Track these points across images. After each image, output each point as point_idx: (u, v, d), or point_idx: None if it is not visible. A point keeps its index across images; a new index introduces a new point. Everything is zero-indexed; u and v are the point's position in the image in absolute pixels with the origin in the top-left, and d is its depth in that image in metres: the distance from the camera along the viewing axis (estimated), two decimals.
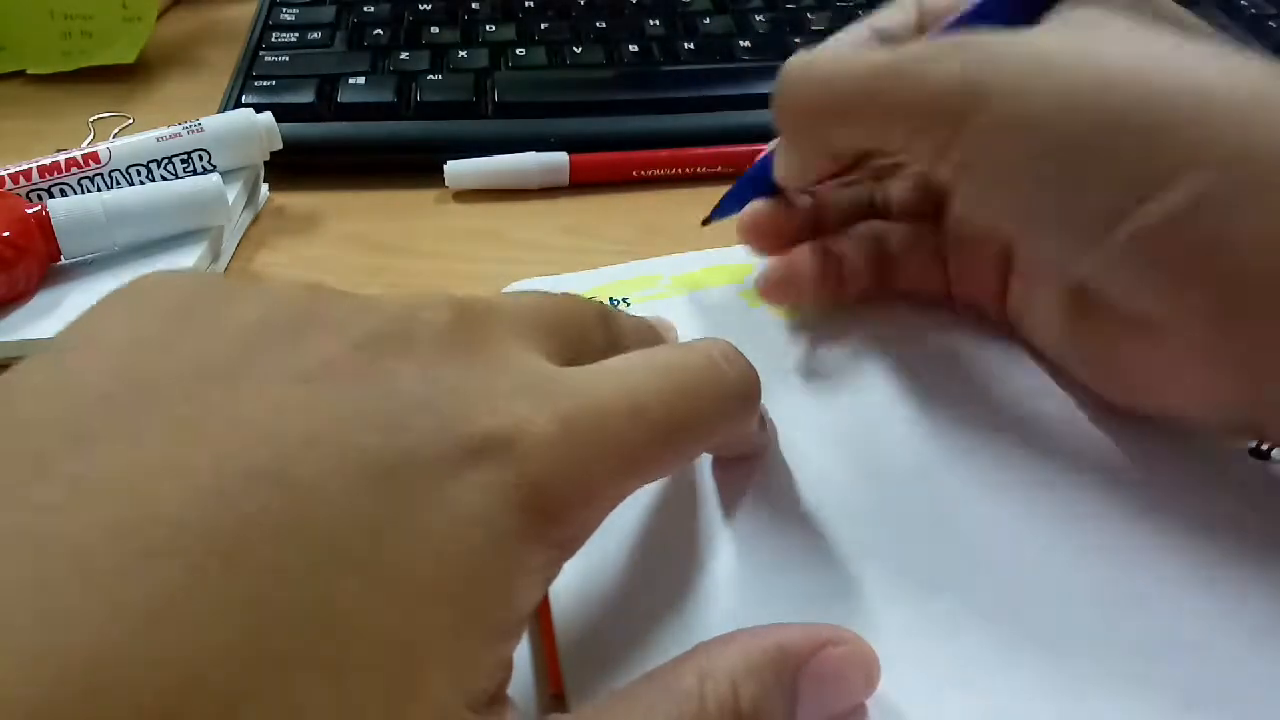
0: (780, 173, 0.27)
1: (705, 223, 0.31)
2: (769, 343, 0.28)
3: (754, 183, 0.29)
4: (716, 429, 0.19)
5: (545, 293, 0.20)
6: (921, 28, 0.27)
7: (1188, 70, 0.20)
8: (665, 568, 0.22)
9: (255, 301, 0.17)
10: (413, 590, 0.14)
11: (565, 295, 0.20)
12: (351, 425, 0.15)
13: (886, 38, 0.27)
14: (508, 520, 0.15)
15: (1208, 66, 0.20)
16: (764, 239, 0.29)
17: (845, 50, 0.24)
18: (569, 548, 0.16)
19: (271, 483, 0.14)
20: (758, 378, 0.20)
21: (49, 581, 0.12)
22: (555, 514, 0.15)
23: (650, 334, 0.22)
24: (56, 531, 0.13)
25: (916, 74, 0.22)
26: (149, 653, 0.12)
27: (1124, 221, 0.20)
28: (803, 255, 0.28)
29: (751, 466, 0.24)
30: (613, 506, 0.17)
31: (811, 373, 0.27)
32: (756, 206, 0.28)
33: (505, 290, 0.28)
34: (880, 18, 0.28)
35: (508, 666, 0.15)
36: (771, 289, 0.28)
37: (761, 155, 0.29)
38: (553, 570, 0.16)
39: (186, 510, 0.13)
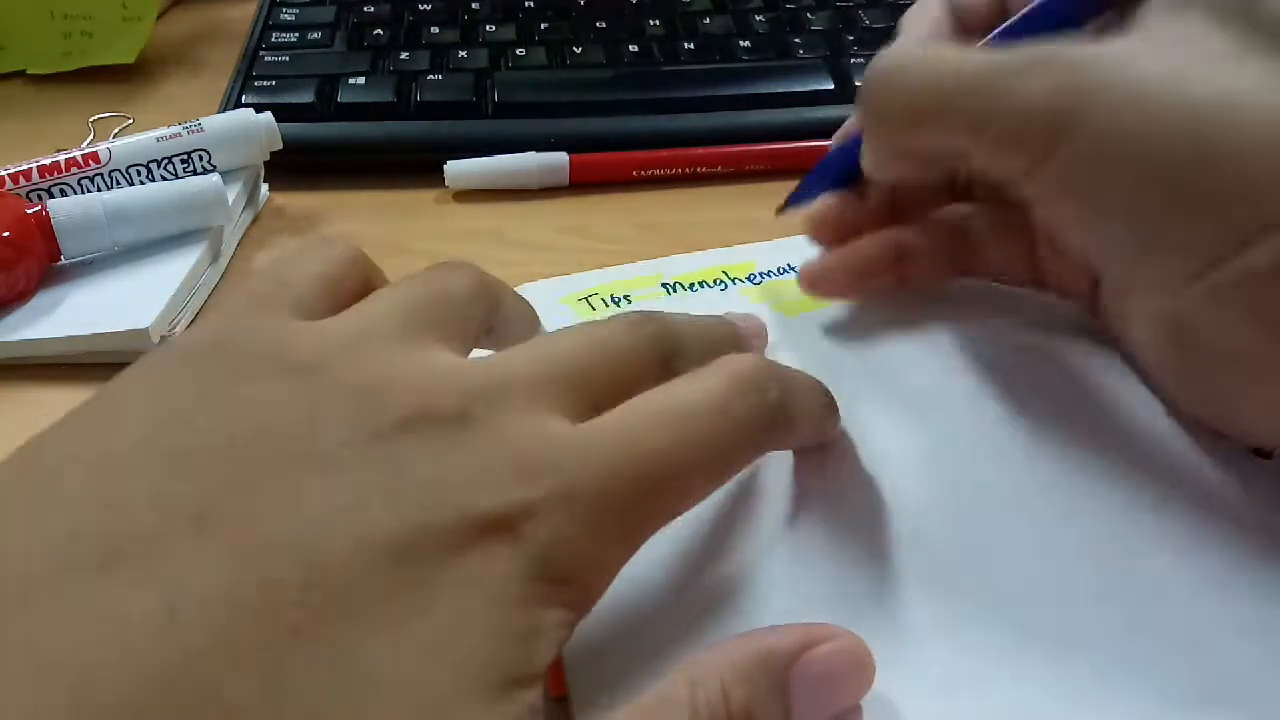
0: (865, 162, 0.26)
1: (780, 211, 0.30)
2: (781, 343, 0.28)
3: (830, 169, 0.28)
4: (739, 463, 0.19)
5: (589, 331, 0.20)
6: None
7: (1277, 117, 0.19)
8: (671, 567, 0.22)
9: (275, 380, 0.17)
10: (430, 648, 0.15)
11: (615, 328, 0.20)
12: (364, 506, 0.15)
13: (963, 11, 0.26)
14: (517, 588, 0.15)
15: None
16: (827, 232, 0.28)
17: (936, 53, 0.23)
18: (583, 604, 0.17)
19: (289, 555, 0.15)
20: (791, 397, 0.20)
21: (81, 638, 0.13)
22: (562, 580, 0.16)
23: (721, 348, 0.21)
24: (87, 590, 0.14)
25: (1004, 92, 0.21)
26: (175, 707, 0.13)
27: (1220, 268, 0.19)
28: (855, 250, 0.27)
29: (757, 467, 0.24)
30: (627, 558, 0.17)
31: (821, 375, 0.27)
32: (825, 200, 0.27)
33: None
34: None
35: (531, 713, 0.15)
36: (810, 284, 0.27)
37: (836, 144, 0.28)
38: (568, 626, 0.16)
39: (208, 576, 0.14)
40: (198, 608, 0.14)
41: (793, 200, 0.30)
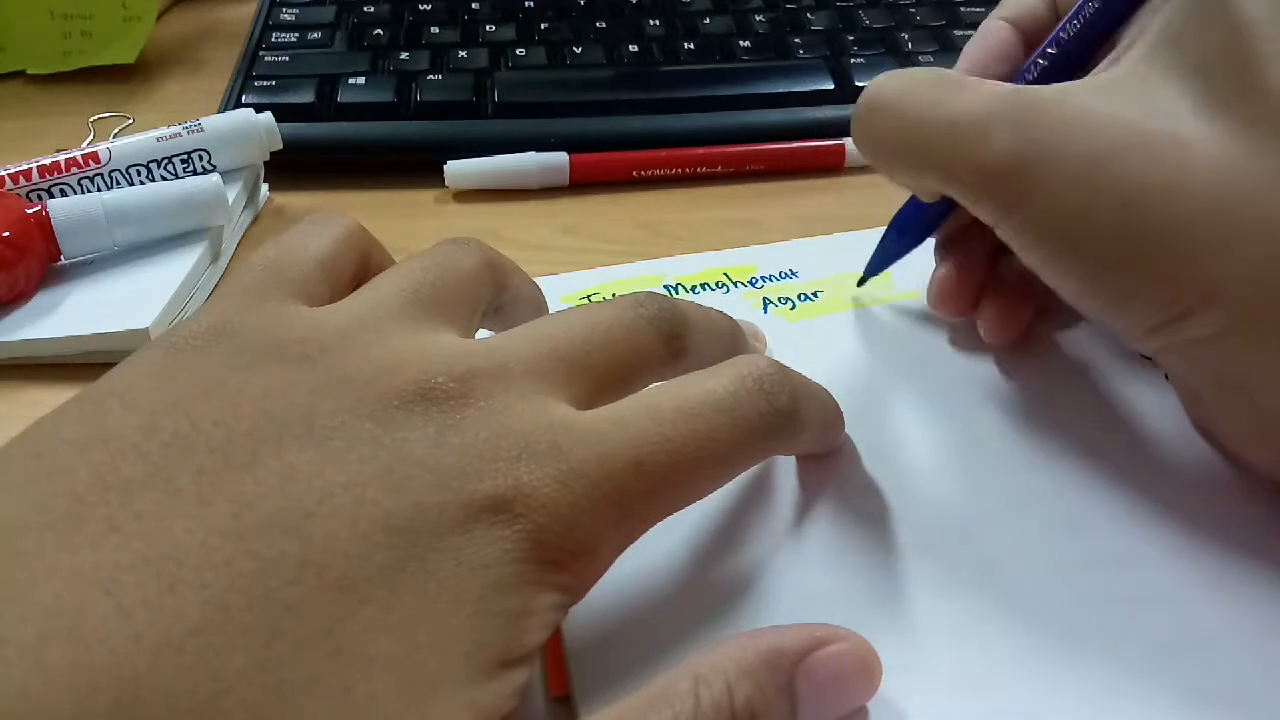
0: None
1: (861, 283, 0.30)
2: (780, 348, 0.28)
3: (899, 229, 0.28)
4: (742, 464, 0.19)
5: (592, 311, 0.20)
6: (1055, 5, 0.26)
7: (1222, 188, 0.19)
8: (677, 566, 0.22)
9: (275, 369, 0.17)
10: (423, 624, 0.15)
11: (618, 308, 0.20)
12: (363, 485, 0.16)
13: (1022, 26, 0.26)
14: (512, 568, 0.16)
15: (1241, 183, 0.19)
16: (958, 304, 0.27)
17: (915, 97, 0.23)
18: (577, 590, 0.17)
19: (288, 532, 0.15)
20: (800, 404, 0.20)
21: (83, 609, 0.14)
22: (557, 564, 0.16)
23: (724, 348, 0.21)
24: (90, 564, 0.14)
25: (963, 151, 0.21)
26: (171, 677, 0.13)
27: (1165, 333, 0.20)
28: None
29: (764, 467, 0.24)
30: (623, 549, 0.18)
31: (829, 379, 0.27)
32: (939, 279, 0.27)
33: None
34: (1012, 3, 0.27)
35: (520, 694, 0.16)
36: (936, 304, 0.27)
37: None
38: (561, 609, 0.16)
39: (209, 551, 0.14)
40: (195, 582, 0.14)
41: (872, 268, 0.30)
